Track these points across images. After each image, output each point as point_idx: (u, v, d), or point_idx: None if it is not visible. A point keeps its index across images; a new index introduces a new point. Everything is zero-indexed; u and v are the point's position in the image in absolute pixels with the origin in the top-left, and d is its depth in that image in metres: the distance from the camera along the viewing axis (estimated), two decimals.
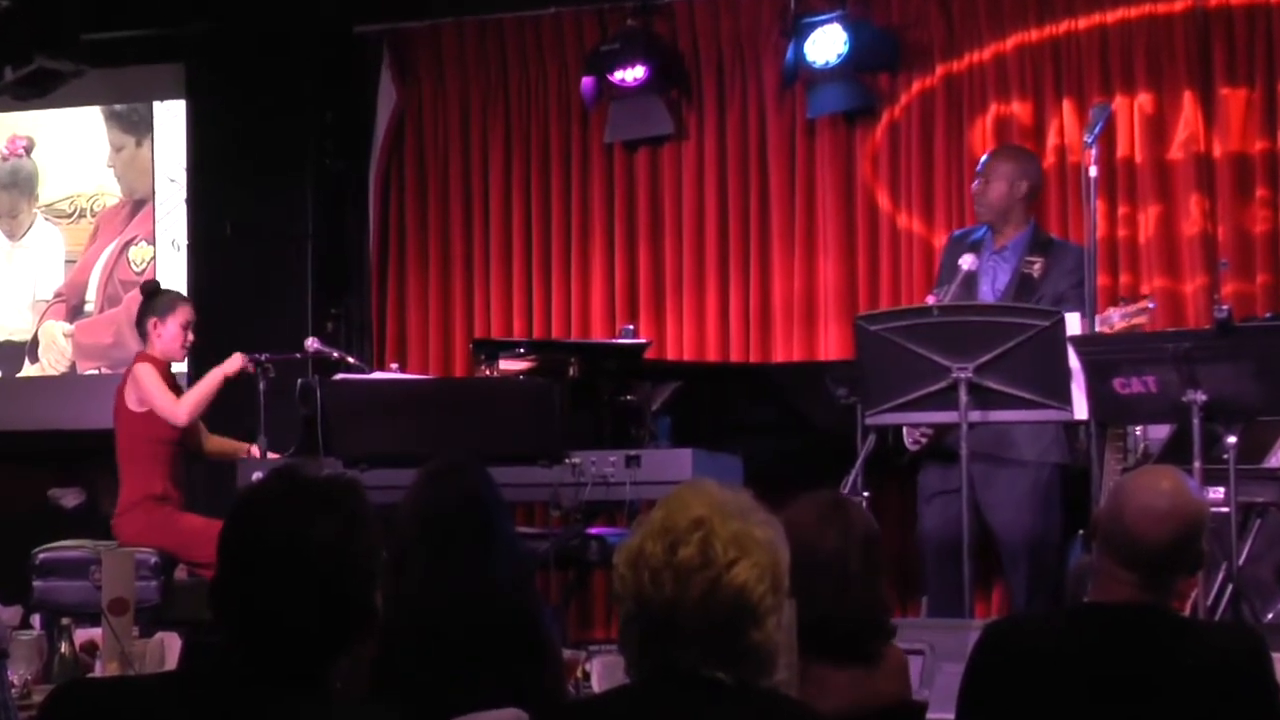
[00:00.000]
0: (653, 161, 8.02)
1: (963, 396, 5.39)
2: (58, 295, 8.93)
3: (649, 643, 2.44)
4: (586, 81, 7.95)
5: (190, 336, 6.87)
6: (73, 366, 8.89)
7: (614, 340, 7.24)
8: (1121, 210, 7.20)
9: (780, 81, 7.73)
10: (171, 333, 6.83)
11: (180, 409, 6.73)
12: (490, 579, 4.01)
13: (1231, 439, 5.18)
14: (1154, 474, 3.31)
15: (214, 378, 6.75)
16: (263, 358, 6.73)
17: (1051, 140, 7.31)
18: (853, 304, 7.50)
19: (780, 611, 2.42)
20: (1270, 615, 5.70)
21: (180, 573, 6.77)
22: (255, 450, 6.73)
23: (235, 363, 6.74)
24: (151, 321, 6.85)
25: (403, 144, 8.45)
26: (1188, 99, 7.13)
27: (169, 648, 5.00)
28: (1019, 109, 7.37)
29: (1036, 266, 6.27)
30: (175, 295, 7.05)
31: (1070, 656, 3.14)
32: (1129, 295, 6.40)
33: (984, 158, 6.58)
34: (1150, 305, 5.92)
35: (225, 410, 7.13)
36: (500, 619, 3.96)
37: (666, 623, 2.40)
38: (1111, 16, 7.27)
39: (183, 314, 6.87)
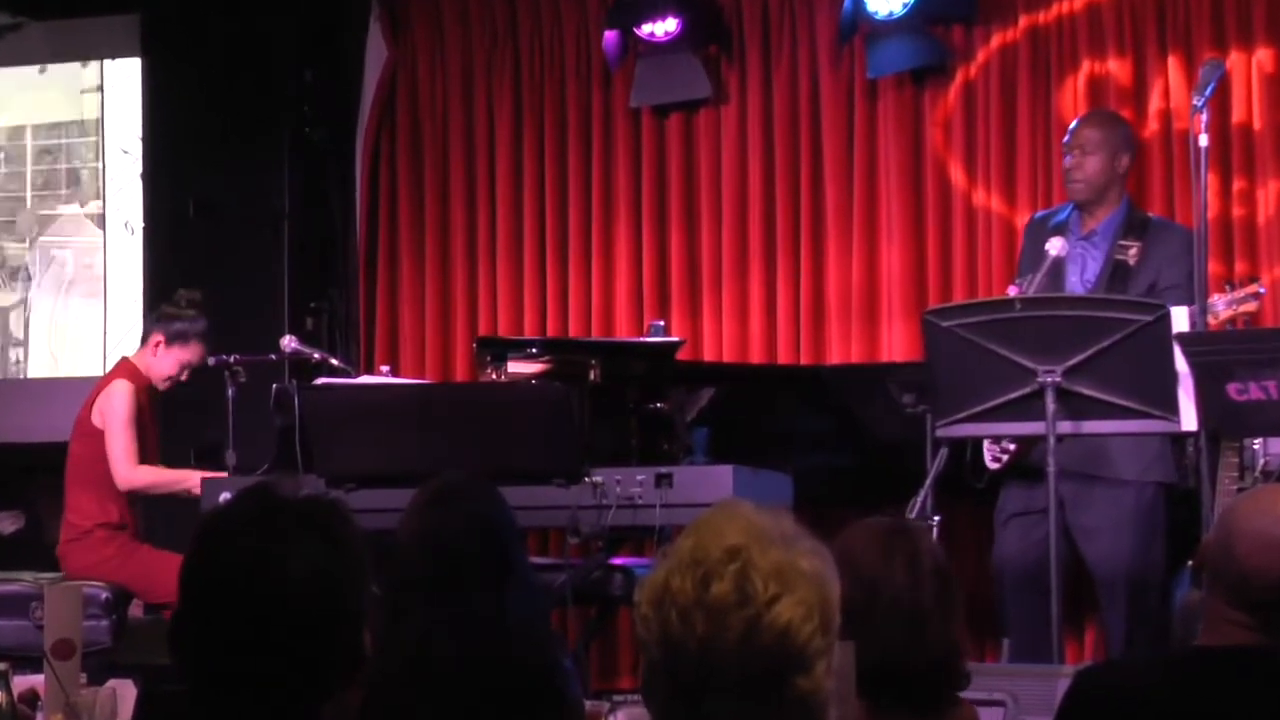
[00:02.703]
0: (687, 129, 8.03)
1: (1050, 404, 5.38)
2: None
3: (678, 693, 2.44)
4: (610, 36, 7.96)
5: (184, 377, 6.91)
6: (17, 368, 8.93)
7: (642, 339, 7.26)
8: (1237, 185, 7.19)
9: (836, 35, 7.73)
10: (167, 363, 6.89)
11: (132, 475, 6.77)
12: (504, 620, 4.02)
13: None
14: (1270, 495, 3.30)
15: (184, 482, 6.74)
16: (231, 360, 6.77)
17: (1155, 104, 7.30)
18: (921, 296, 7.51)
19: (830, 655, 2.42)
20: None
21: (135, 610, 6.80)
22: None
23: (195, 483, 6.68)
24: (156, 337, 6.91)
25: (395, 109, 8.47)
26: None
27: (122, 697, 5.02)
28: (1116, 67, 7.37)
29: (1133, 252, 6.26)
30: (196, 328, 6.99)
31: (1176, 709, 3.14)
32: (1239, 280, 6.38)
33: (1074, 125, 6.58)
34: (1261, 290, 5.92)
35: (187, 421, 7.15)
36: (514, 666, 3.97)
37: (698, 669, 2.41)
38: None
39: (191, 353, 6.91)
